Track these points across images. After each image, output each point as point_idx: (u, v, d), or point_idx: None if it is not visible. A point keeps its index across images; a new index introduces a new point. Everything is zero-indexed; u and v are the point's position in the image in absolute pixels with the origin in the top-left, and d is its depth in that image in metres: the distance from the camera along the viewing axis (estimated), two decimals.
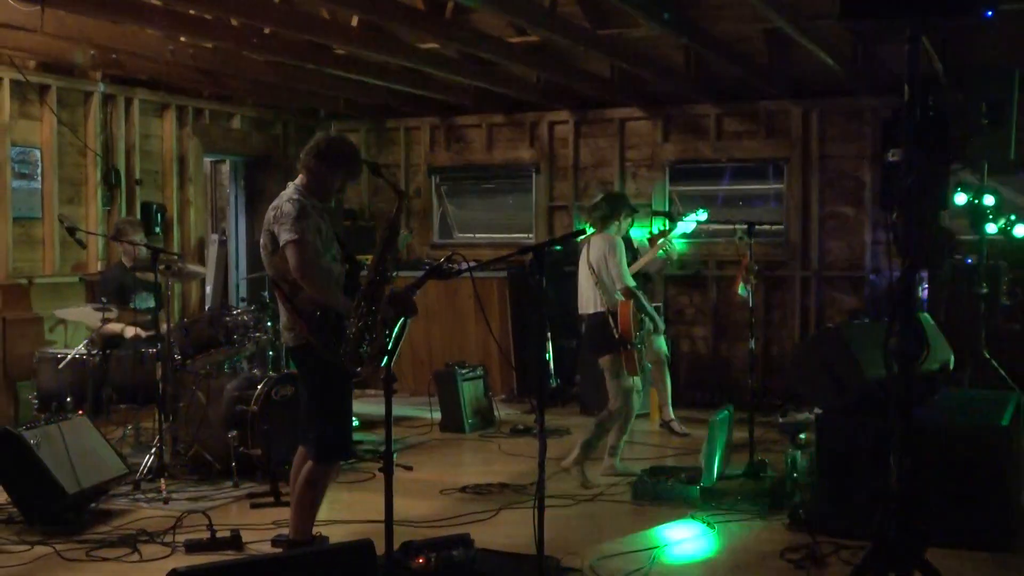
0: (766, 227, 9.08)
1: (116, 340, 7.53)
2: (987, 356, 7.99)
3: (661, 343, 8.42)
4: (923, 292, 8.43)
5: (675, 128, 10.52)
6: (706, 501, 6.25)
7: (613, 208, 7.11)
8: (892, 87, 8.39)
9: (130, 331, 7.56)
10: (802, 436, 7.02)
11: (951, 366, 6.51)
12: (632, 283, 6.89)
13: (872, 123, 9.61)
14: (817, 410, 6.55)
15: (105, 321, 7.22)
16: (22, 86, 8.31)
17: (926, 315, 6.68)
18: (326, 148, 5.09)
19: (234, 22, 7.60)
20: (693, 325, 10.21)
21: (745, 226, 7.19)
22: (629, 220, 7.32)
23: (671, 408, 8.56)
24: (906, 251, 3.73)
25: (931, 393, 6.06)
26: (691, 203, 10.53)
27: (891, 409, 3.94)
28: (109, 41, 7.56)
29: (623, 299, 6.83)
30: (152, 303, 7.67)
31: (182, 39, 7.84)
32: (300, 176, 5.11)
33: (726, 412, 6.92)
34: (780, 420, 8.47)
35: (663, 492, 6.41)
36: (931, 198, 3.69)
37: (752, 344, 7.12)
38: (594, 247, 6.96)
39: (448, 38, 7.73)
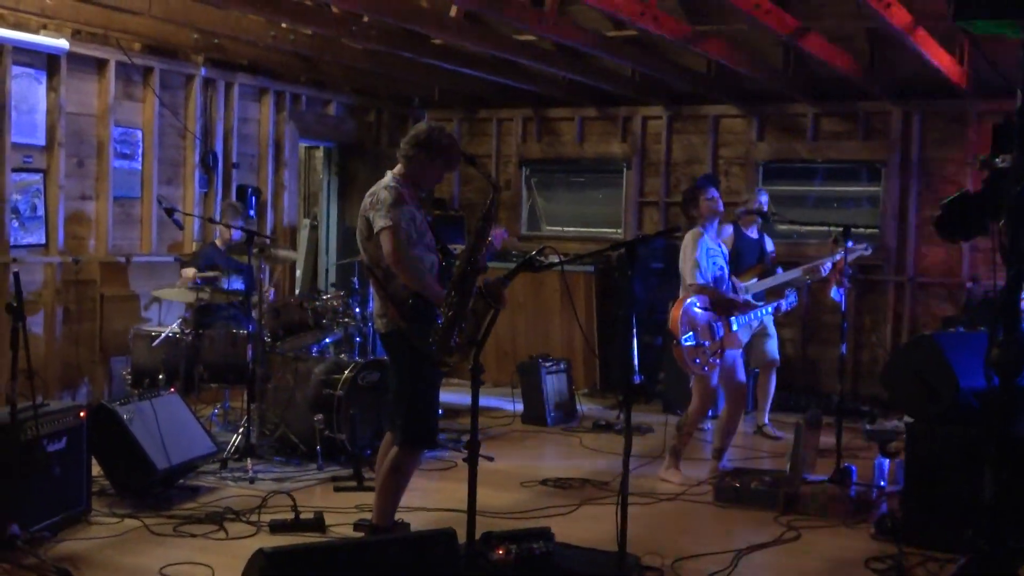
0: (861, 230, 8.90)
1: (208, 316, 7.67)
2: None
3: (769, 348, 8.28)
4: (1022, 303, 8.20)
5: (770, 127, 10.38)
6: (789, 506, 6.16)
7: (685, 200, 6.97)
8: (999, 90, 8.20)
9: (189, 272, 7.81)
10: (892, 444, 6.90)
11: None
12: (699, 281, 6.63)
13: (976, 127, 9.37)
14: (906, 418, 6.42)
15: (200, 301, 7.37)
16: (127, 68, 8.49)
17: None
18: (426, 138, 5.12)
19: (334, 9, 7.68)
20: (782, 327, 10.05)
21: (840, 228, 7.06)
22: (710, 201, 6.78)
23: (767, 414, 8.44)
24: (1012, 260, 3.63)
25: None
26: (784, 203, 10.40)
27: (987, 420, 3.85)
28: (212, 25, 7.68)
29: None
30: (240, 285, 7.84)
31: (283, 25, 7.94)
32: (399, 165, 5.15)
33: (813, 416, 6.81)
34: (867, 427, 8.33)
35: (746, 494, 6.34)
36: None
37: (843, 349, 6.99)
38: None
39: (546, 30, 7.72)
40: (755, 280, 7.67)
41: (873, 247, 8.78)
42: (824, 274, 7.66)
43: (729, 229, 8.15)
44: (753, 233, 8.29)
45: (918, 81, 9.02)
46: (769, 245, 8.45)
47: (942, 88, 8.92)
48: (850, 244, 7.53)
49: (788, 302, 7.46)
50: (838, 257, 7.54)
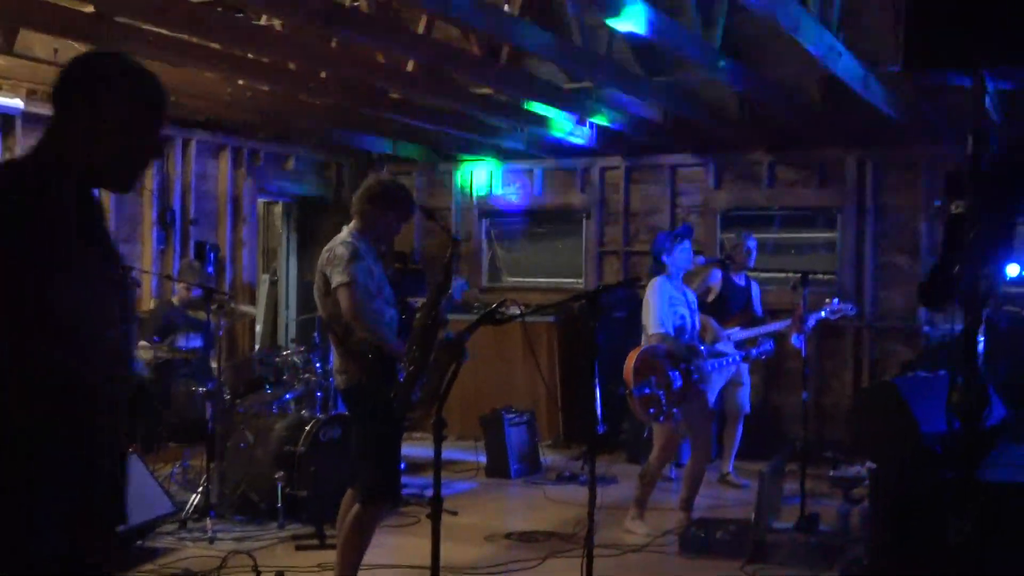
0: (819, 276, 8.97)
1: (166, 374, 7.58)
2: None
3: (740, 397, 8.27)
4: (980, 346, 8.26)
5: (728, 175, 10.48)
6: (755, 555, 6.13)
7: (654, 251, 6.98)
8: (949, 136, 8.33)
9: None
10: (856, 490, 6.90)
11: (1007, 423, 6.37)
12: (660, 330, 6.62)
13: (928, 173, 9.50)
14: (869, 464, 6.42)
15: (159, 359, 7.29)
16: None
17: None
18: (379, 192, 5.12)
19: (291, 66, 7.69)
20: None
21: (798, 275, 7.10)
22: (681, 251, 6.77)
23: (731, 463, 8.42)
24: (969, 304, 3.66)
25: (989, 449, 5.92)
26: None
27: (950, 465, 3.86)
28: (169, 83, 7.55)
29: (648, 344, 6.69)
30: (199, 342, 7.77)
31: (240, 82, 7.94)
32: (354, 220, 5.14)
33: (777, 463, 6.81)
34: (831, 473, 8.32)
35: (712, 544, 6.30)
36: (996, 252, 3.62)
37: (804, 395, 7.01)
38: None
39: (503, 83, 7.77)
40: (738, 329, 7.66)
41: (832, 292, 8.86)
42: (809, 328, 7.57)
43: (718, 275, 8.16)
44: (741, 280, 8.30)
45: (871, 128, 9.14)
46: (756, 292, 8.43)
47: (894, 135, 9.06)
48: (837, 304, 7.58)
49: (759, 349, 7.45)
50: (822, 315, 7.59)
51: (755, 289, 8.42)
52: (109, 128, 2.53)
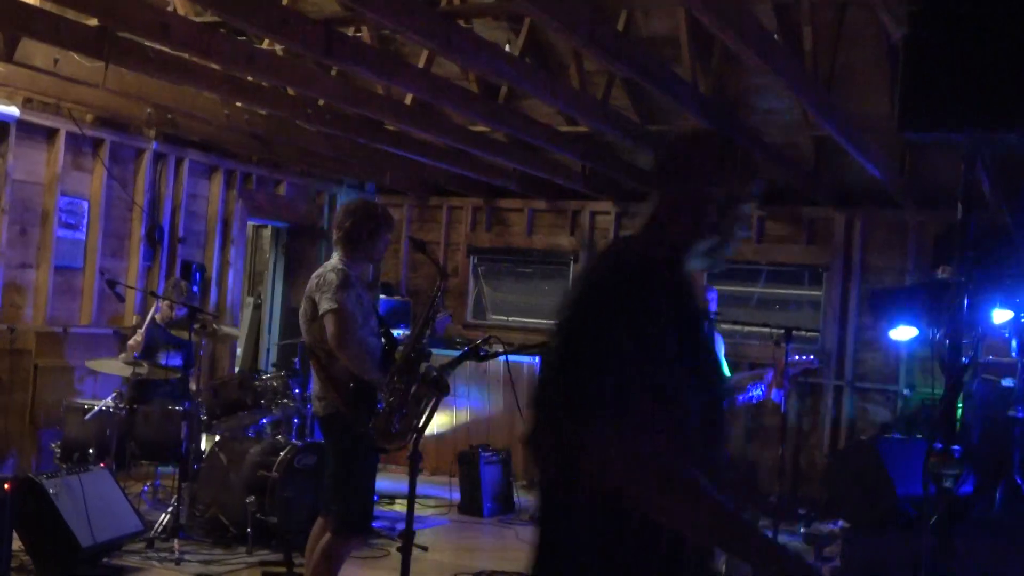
0: (802, 333, 8.97)
1: (144, 391, 7.54)
2: (1019, 482, 7.81)
3: None
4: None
5: None
6: None
7: None
8: (939, 200, 8.39)
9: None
10: (828, 548, 6.89)
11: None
12: None
13: (915, 236, 9.55)
14: (842, 523, 6.42)
15: (135, 376, 7.25)
16: (77, 138, 8.44)
17: None
18: (364, 211, 5.16)
19: (290, 92, 7.72)
20: None
21: (782, 331, 7.11)
22: None
23: None
24: (950, 370, 3.68)
25: (963, 514, 5.93)
26: (727, 303, 10.48)
27: (923, 527, 3.86)
28: (166, 101, 7.68)
29: None
30: (179, 361, 7.73)
31: (238, 104, 7.95)
32: (341, 247, 5.14)
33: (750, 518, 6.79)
34: (804, 530, 8.31)
35: None
36: (979, 317, 3.65)
37: (781, 451, 7.00)
38: None
39: (499, 122, 7.81)
40: None
41: (814, 351, 8.87)
42: (767, 381, 7.56)
43: None
44: None
45: (861, 189, 9.21)
46: (720, 345, 8.40)
47: (883, 196, 9.12)
48: (799, 357, 7.57)
49: (745, 396, 7.40)
50: (790, 367, 7.56)
51: (719, 342, 8.39)
52: (722, 210, 2.50)
